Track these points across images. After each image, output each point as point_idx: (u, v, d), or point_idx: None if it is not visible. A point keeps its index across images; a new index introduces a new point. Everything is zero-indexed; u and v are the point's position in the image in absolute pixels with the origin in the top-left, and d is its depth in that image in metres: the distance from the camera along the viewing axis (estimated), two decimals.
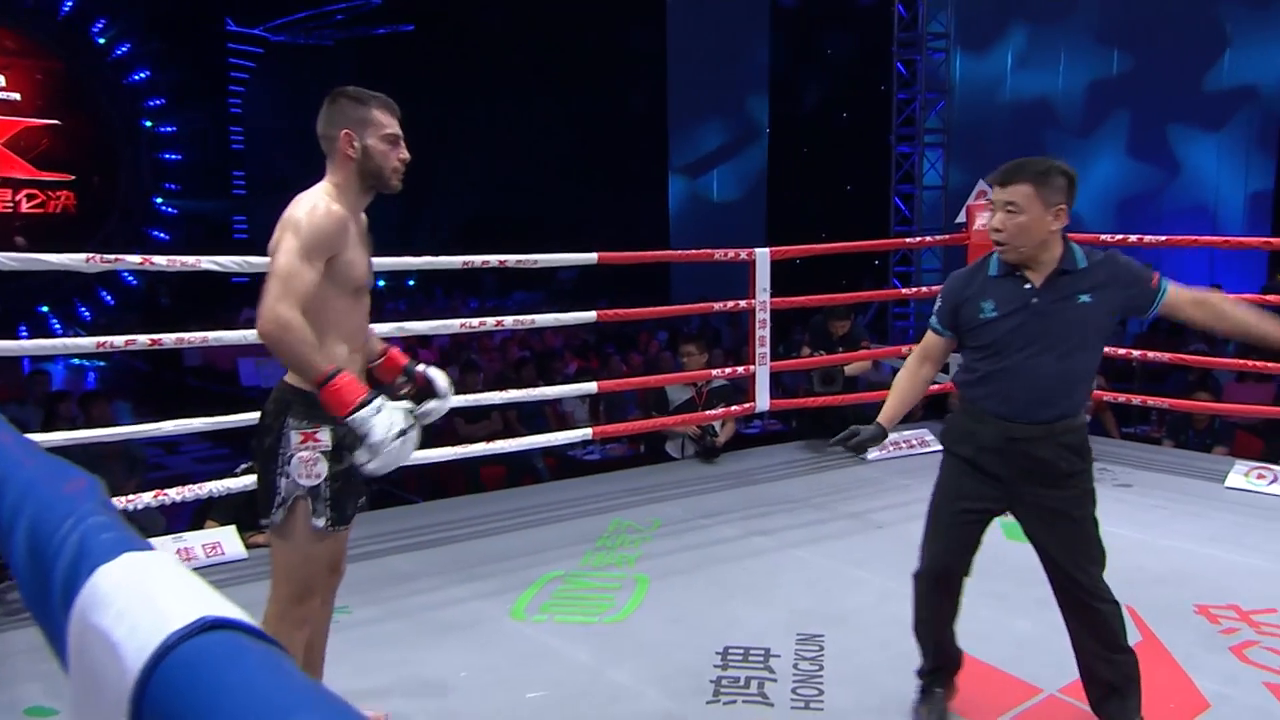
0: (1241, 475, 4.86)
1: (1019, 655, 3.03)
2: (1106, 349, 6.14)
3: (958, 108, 13.86)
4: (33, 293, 16.41)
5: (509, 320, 4.88)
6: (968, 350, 2.59)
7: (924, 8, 13.01)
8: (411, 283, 19.11)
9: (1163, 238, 5.78)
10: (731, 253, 5.13)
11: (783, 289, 5.17)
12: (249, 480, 3.83)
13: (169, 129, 18.63)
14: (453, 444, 4.76)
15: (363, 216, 2.38)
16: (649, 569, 3.80)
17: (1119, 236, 5.61)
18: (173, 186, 18.79)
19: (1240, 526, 4.28)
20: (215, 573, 3.69)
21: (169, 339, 3.94)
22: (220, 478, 3.87)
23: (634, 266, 5.51)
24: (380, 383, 2.54)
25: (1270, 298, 6.03)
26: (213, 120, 19.27)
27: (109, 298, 17.84)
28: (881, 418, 2.72)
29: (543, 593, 3.57)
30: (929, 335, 2.71)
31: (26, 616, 2.92)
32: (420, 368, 2.56)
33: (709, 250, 5.23)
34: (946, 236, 6.24)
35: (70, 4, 17.13)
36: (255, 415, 3.80)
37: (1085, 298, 2.42)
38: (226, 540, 3.85)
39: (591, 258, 4.72)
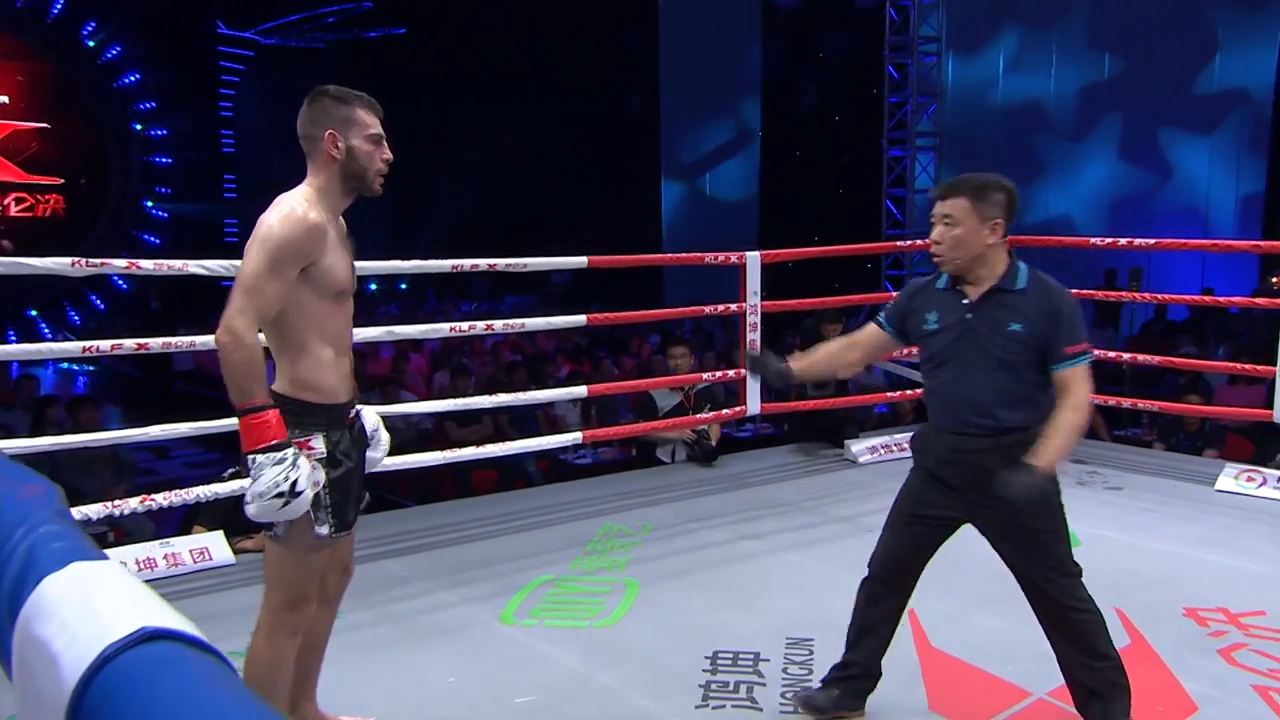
0: (1231, 478, 4.86)
1: (1008, 659, 3.02)
2: (1097, 351, 6.17)
3: (949, 111, 13.92)
4: (21, 297, 16.35)
5: (498, 324, 4.86)
6: (920, 362, 2.65)
7: (915, 11, 13.05)
8: (404, 286, 19.08)
9: (1153, 241, 5.80)
10: (722, 256, 5.12)
11: (774, 292, 5.16)
12: (237, 485, 3.81)
13: (159, 132, 18.59)
14: (444, 448, 4.74)
15: (340, 220, 2.35)
16: (639, 573, 3.78)
17: (1109, 240, 5.62)
18: (163, 190, 18.74)
19: (1230, 529, 4.29)
20: (202, 578, 3.68)
21: (155, 343, 3.91)
22: (209, 483, 3.85)
23: (626, 270, 5.49)
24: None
25: (1261, 301, 6.05)
26: (203, 123, 19.23)
27: (99, 302, 17.78)
28: (795, 363, 2.72)
29: (532, 597, 3.55)
30: (870, 324, 2.74)
31: None
32: (359, 408, 2.44)
33: (700, 254, 5.23)
34: None
35: (60, 6, 17.08)
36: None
37: (1016, 326, 2.43)
38: (214, 546, 3.82)
39: (581, 261, 4.70)
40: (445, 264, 4.39)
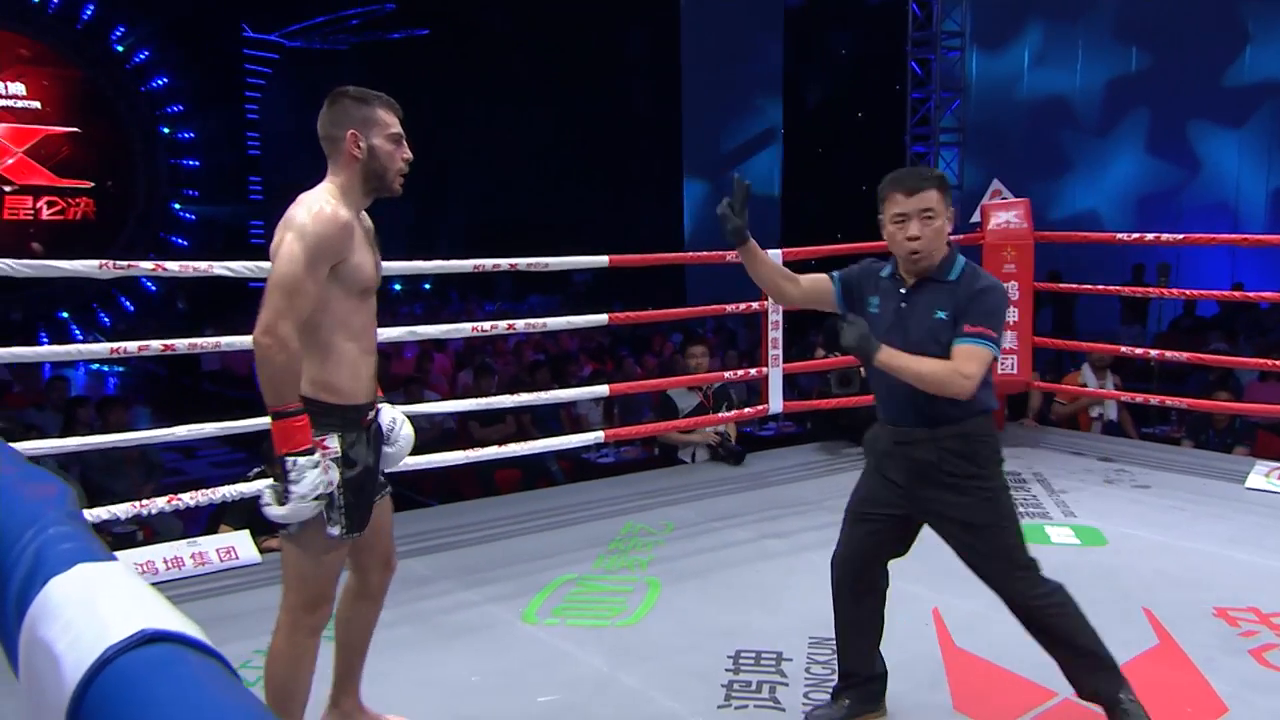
0: (1262, 476, 4.79)
1: (1034, 657, 2.97)
2: (1124, 348, 6.10)
3: (973, 107, 13.78)
4: (53, 299, 16.60)
5: (520, 323, 4.87)
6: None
7: (938, 6, 12.93)
8: (427, 286, 19.19)
9: (1182, 236, 5.72)
10: None
11: None
12: (263, 484, 3.84)
13: (187, 135, 18.80)
14: (467, 447, 4.76)
15: (367, 219, 2.36)
16: (661, 572, 3.77)
17: (1137, 235, 5.55)
18: (191, 192, 18.95)
19: (1261, 528, 4.22)
20: (229, 577, 3.71)
21: (181, 344, 3.95)
22: (235, 482, 3.88)
23: (649, 269, 5.49)
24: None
25: None
26: (229, 126, 19.42)
27: (128, 304, 18.01)
28: (752, 243, 2.63)
29: (555, 596, 3.56)
30: (821, 275, 2.71)
31: None
32: (380, 406, 2.44)
33: (721, 252, 5.20)
34: (962, 236, 6.17)
35: (90, 12, 17.31)
36: (269, 420, 3.84)
37: (942, 314, 2.40)
38: (240, 545, 3.85)
39: (603, 260, 4.71)
40: (468, 264, 4.40)
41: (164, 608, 0.51)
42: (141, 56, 18.13)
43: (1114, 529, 4.18)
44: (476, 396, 5.66)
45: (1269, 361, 5.53)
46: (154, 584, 0.76)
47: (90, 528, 0.64)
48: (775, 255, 5.05)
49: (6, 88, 16.53)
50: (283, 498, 2.10)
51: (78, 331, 16.64)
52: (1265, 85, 12.53)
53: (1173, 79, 12.84)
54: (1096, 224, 12.89)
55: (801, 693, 2.82)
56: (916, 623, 3.25)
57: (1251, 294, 7.09)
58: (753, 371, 5.38)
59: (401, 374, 8.50)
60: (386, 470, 2.49)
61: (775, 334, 5.06)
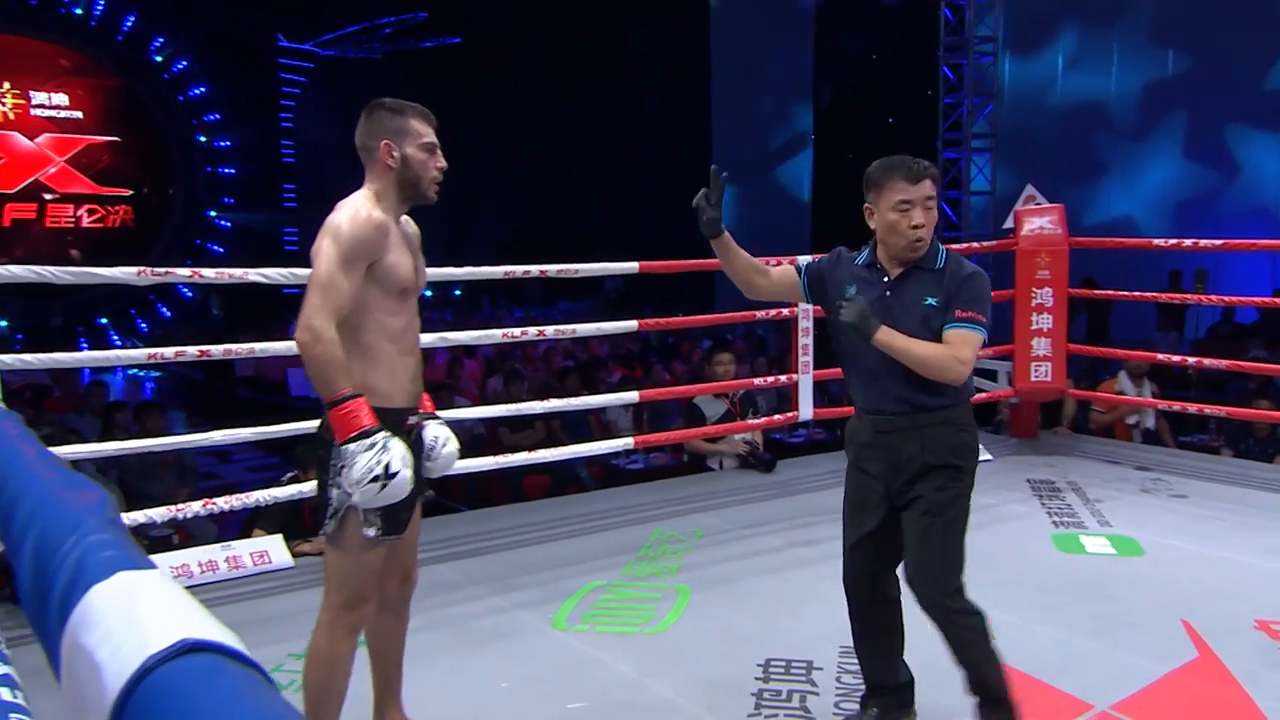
0: None
1: (1070, 669, 2.95)
2: (1161, 355, 6.01)
3: (1006, 112, 13.65)
4: (93, 305, 16.89)
5: (550, 330, 4.88)
6: (836, 344, 2.59)
7: (971, 11, 12.84)
8: (458, 292, 19.30)
9: (1220, 241, 5.63)
10: (774, 260, 5.08)
11: None
12: (295, 489, 3.88)
13: (223, 143, 19.06)
14: (496, 453, 4.78)
15: (411, 224, 2.43)
16: (690, 580, 3.76)
17: (1174, 241, 5.48)
18: (227, 200, 19.20)
19: None
20: (262, 580, 3.74)
21: (217, 350, 4.00)
22: (269, 487, 3.92)
23: (679, 275, 5.50)
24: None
25: None
26: (265, 134, 19.67)
27: (165, 310, 18.27)
28: (727, 236, 2.61)
29: (584, 603, 3.56)
30: (785, 264, 2.71)
31: None
32: (422, 422, 2.46)
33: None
34: (995, 242, 6.12)
35: (131, 23, 17.62)
36: (303, 425, 3.88)
37: (932, 300, 2.40)
38: (273, 549, 3.89)
39: (633, 266, 4.71)
40: (499, 270, 4.43)
41: (203, 617, 0.52)
42: (180, 66, 18.42)
43: (1151, 539, 4.12)
44: (506, 402, 5.68)
45: None
46: (188, 587, 0.77)
47: (130, 534, 0.65)
48: (805, 260, 5.04)
49: (50, 98, 16.87)
50: (349, 485, 2.14)
51: (116, 337, 16.90)
52: None
53: (1211, 82, 12.63)
54: (1132, 230, 12.70)
55: (832, 702, 2.80)
56: None
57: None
58: (783, 378, 5.36)
59: (432, 380, 8.55)
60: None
61: (805, 340, 5.04)
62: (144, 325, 17.85)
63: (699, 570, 3.87)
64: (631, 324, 4.93)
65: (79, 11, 17.03)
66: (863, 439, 2.52)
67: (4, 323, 15.31)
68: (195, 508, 3.68)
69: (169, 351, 3.95)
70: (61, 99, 16.98)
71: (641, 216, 19.02)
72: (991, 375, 5.85)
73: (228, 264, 15.73)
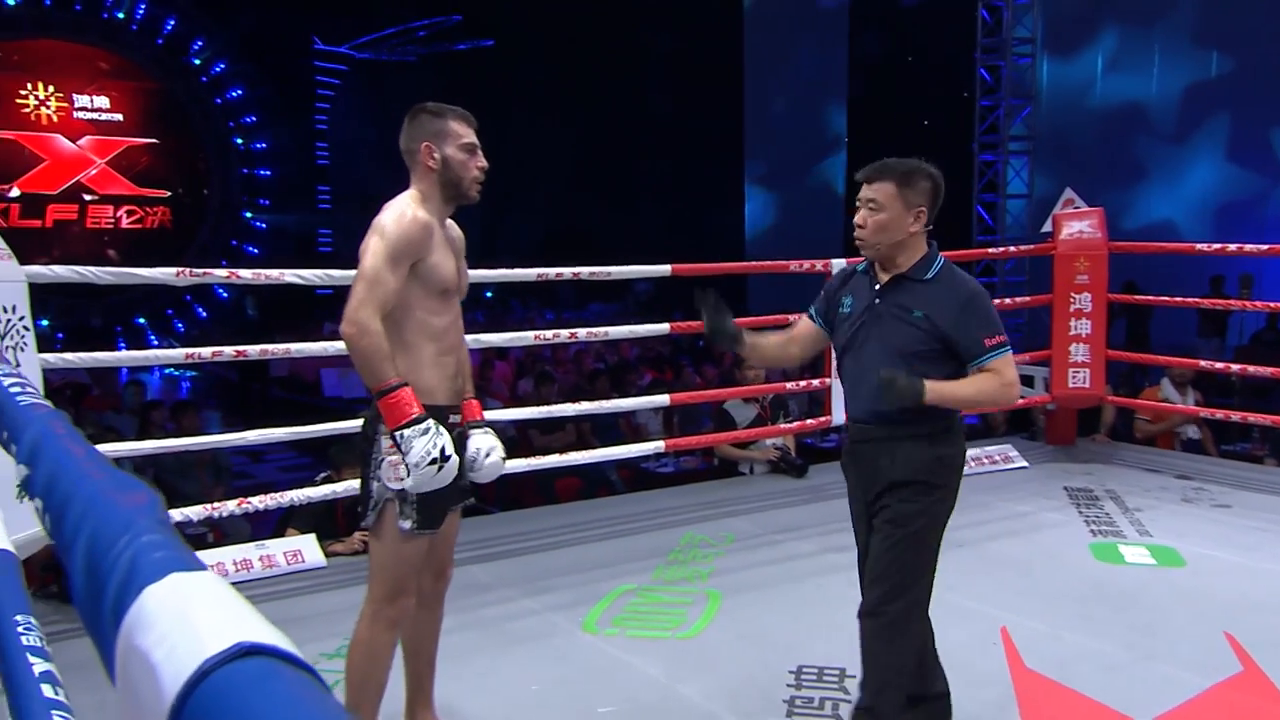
0: None
1: (1109, 681, 2.90)
2: (1203, 362, 5.90)
3: (1044, 114, 13.48)
4: (131, 305, 17.14)
5: (582, 332, 4.89)
6: (835, 349, 2.57)
7: (1009, 12, 12.70)
8: (489, 295, 19.39)
9: (1265, 246, 5.51)
10: (808, 264, 5.06)
11: None
12: (329, 490, 3.91)
13: (260, 145, 19.28)
14: (527, 455, 4.79)
15: (455, 228, 2.48)
16: (721, 584, 3.75)
17: (1218, 246, 5.38)
18: (263, 201, 19.42)
19: None
20: (295, 580, 3.77)
21: (253, 351, 4.04)
22: (302, 486, 3.95)
23: (711, 278, 5.46)
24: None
25: None
26: (300, 136, 19.88)
27: (202, 310, 18.51)
28: (747, 338, 2.60)
29: (615, 606, 3.55)
30: (803, 317, 2.68)
31: None
32: (470, 431, 2.51)
33: (784, 262, 5.17)
34: (1032, 246, 6.06)
35: (171, 26, 17.89)
36: (337, 426, 3.91)
37: (919, 314, 2.34)
38: (307, 548, 3.92)
39: (665, 269, 4.70)
40: (531, 273, 4.44)
41: (257, 619, 0.52)
42: (217, 69, 18.66)
43: (1192, 549, 4.04)
44: (537, 404, 5.69)
45: None
46: None
47: (179, 535, 0.65)
48: (839, 265, 5.01)
49: (92, 101, 17.16)
50: (407, 470, 2.19)
51: (153, 337, 17.14)
52: None
53: (1256, 83, 12.38)
54: (1172, 234, 12.49)
55: None
56: (984, 641, 3.18)
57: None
58: (815, 382, 5.33)
59: None
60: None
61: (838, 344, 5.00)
62: (180, 325, 18.09)
63: (730, 575, 3.85)
64: (664, 327, 4.92)
65: (121, 15, 17.31)
66: (847, 446, 2.53)
67: (45, 321, 15.58)
68: (231, 506, 3.72)
69: (206, 351, 4.00)
70: (103, 102, 17.27)
71: (672, 218, 19.03)
72: (1028, 381, 5.78)
73: (262, 265, 15.86)
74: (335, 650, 3.11)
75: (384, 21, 19.77)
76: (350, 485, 3.79)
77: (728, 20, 18.65)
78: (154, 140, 17.83)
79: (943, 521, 2.41)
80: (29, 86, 16.48)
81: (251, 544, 3.91)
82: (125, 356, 4.54)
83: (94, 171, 17.27)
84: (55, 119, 16.80)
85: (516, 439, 6.77)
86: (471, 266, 4.25)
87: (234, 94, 18.84)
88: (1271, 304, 6.45)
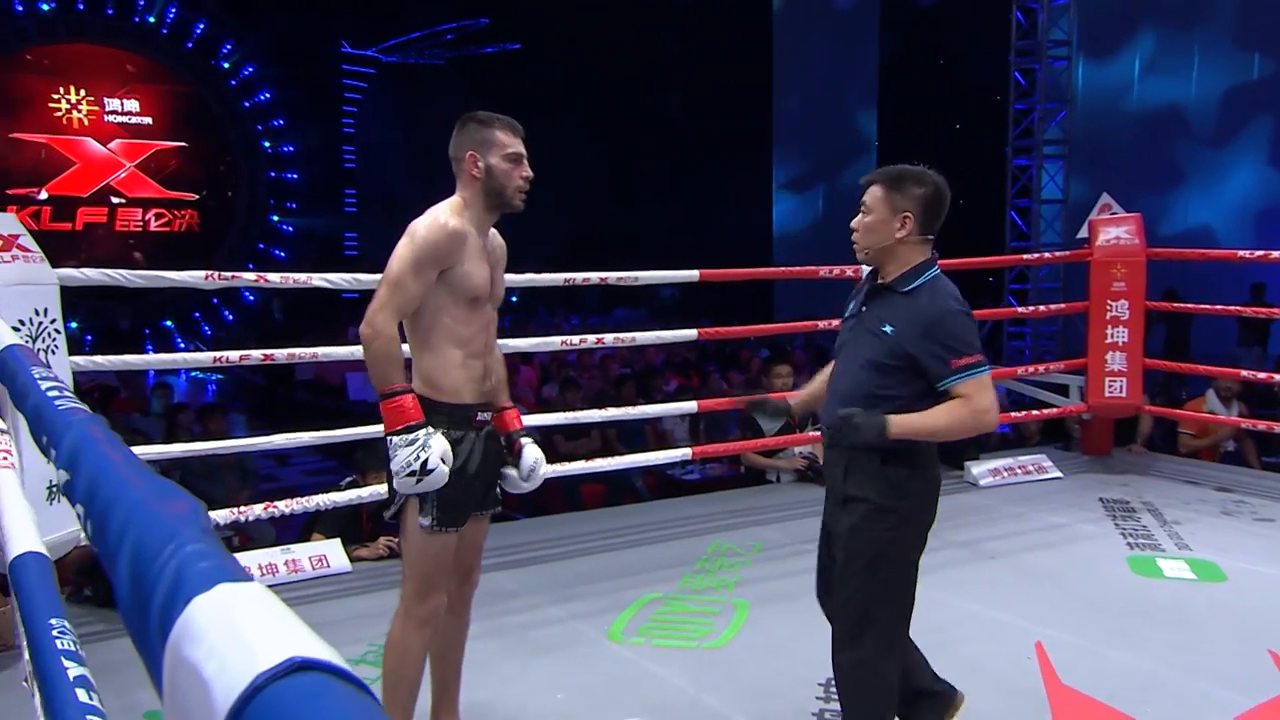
0: None
1: (1146, 698, 2.83)
2: (1245, 371, 5.78)
3: (1079, 117, 13.32)
4: (159, 308, 17.29)
5: (609, 338, 4.86)
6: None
7: (1044, 14, 12.56)
8: (514, 299, 19.45)
9: None
10: (837, 269, 5.02)
11: None
12: (354, 494, 3.91)
13: (287, 149, 19.42)
14: (553, 461, 4.76)
15: (497, 238, 2.52)
16: (749, 594, 3.71)
17: (1260, 252, 5.29)
18: (290, 205, 19.55)
19: None
20: (320, 584, 3.77)
21: (280, 354, 4.04)
22: (326, 490, 3.95)
23: (737, 284, 5.44)
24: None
25: None
26: (327, 140, 20.00)
27: (228, 314, 18.65)
28: (797, 395, 2.64)
29: (640, 615, 3.52)
30: None
31: None
32: (522, 440, 2.61)
33: (813, 267, 5.13)
34: (1068, 253, 5.96)
35: (201, 29, 18.08)
36: (364, 430, 3.90)
37: (887, 328, 2.28)
38: (332, 553, 3.91)
39: (693, 275, 4.68)
40: (558, 277, 4.42)
41: (308, 634, 0.51)
42: (246, 72, 18.82)
43: (1233, 564, 3.95)
44: (562, 410, 5.67)
45: None
46: None
47: (224, 544, 0.63)
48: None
49: (122, 104, 17.36)
50: (391, 474, 2.25)
51: (180, 340, 17.29)
52: None
53: None
54: (1210, 239, 12.29)
55: None
56: (1018, 656, 3.13)
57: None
58: None
59: None
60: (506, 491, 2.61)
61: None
62: (208, 328, 18.23)
63: (758, 585, 3.81)
64: (691, 333, 4.89)
65: (152, 19, 17.50)
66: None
67: (74, 324, 15.76)
68: (257, 510, 3.72)
69: (234, 355, 4.01)
70: (133, 105, 17.45)
71: (699, 223, 18.99)
72: (1063, 390, 5.70)
73: (289, 268, 15.90)
74: (360, 656, 3.10)
75: (411, 25, 19.86)
76: (375, 490, 3.78)
77: (755, 23, 18.63)
78: (183, 143, 17.99)
79: (902, 550, 2.31)
80: (61, 90, 16.68)
81: (277, 548, 3.91)
82: (154, 360, 4.59)
83: (123, 174, 17.45)
84: (86, 122, 17.00)
85: (541, 445, 6.74)
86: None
87: (262, 97, 18.99)
88: None
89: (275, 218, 19.37)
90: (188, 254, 16.35)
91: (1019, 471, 5.28)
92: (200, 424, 6.34)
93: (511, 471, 2.58)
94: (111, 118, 17.27)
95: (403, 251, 2.30)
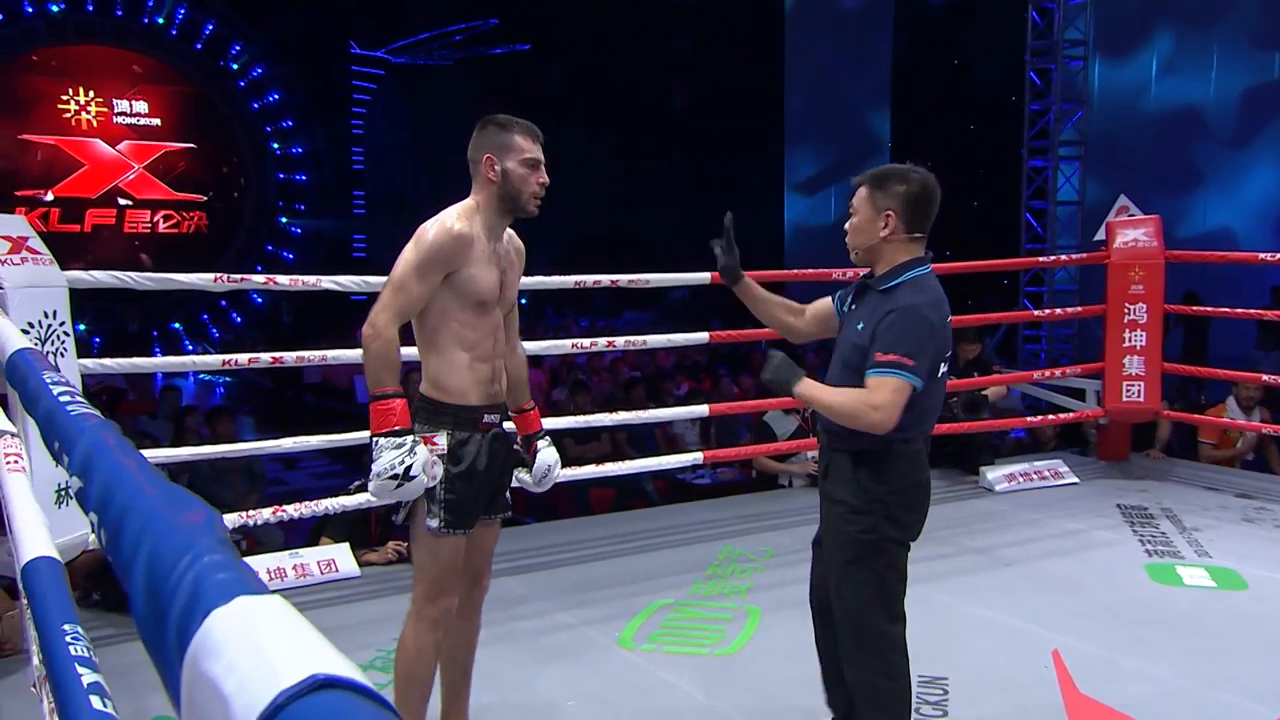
0: None
1: (1165, 709, 2.80)
2: (1266, 376, 5.71)
3: (1096, 118, 13.22)
4: (167, 310, 17.30)
5: (620, 341, 4.83)
6: None
7: (1060, 14, 12.48)
8: (524, 301, 19.40)
9: None
10: (850, 272, 4.97)
11: None
12: (363, 498, 3.88)
13: (296, 150, 19.43)
14: (562, 465, 4.72)
15: (515, 239, 2.54)
16: (761, 601, 3.67)
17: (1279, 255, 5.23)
18: (299, 206, 19.55)
19: None
20: (329, 589, 3.75)
21: (289, 357, 4.02)
22: (335, 494, 3.92)
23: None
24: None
25: None
26: (335, 141, 20.00)
27: (236, 316, 18.66)
28: (749, 280, 2.70)
29: (651, 621, 3.49)
30: (825, 299, 2.64)
31: None
32: (540, 443, 2.64)
33: (827, 270, 5.09)
34: (1084, 255, 5.91)
35: (210, 30, 18.12)
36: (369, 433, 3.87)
37: (860, 325, 2.30)
38: (340, 558, 3.89)
39: (705, 277, 4.64)
40: (569, 280, 4.39)
41: (329, 649, 0.49)
42: (255, 73, 18.84)
43: (1254, 572, 3.90)
44: (571, 413, 5.64)
45: None
46: None
47: (241, 555, 0.60)
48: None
49: (131, 106, 17.39)
50: (371, 477, 2.24)
51: (188, 342, 17.30)
52: None
53: None
54: (1230, 242, 12.16)
55: None
56: (1034, 664, 3.09)
57: None
58: None
59: None
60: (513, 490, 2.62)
61: None
62: (216, 331, 18.24)
63: (771, 591, 3.78)
64: (702, 335, 4.86)
65: (160, 20, 17.53)
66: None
67: (82, 326, 15.75)
68: (266, 514, 3.70)
69: (243, 358, 3.99)
70: (141, 106, 17.48)
71: (710, 226, 18.91)
72: (1079, 394, 5.65)
73: (298, 270, 15.89)
74: (369, 661, 3.07)
75: (420, 26, 19.87)
76: None
77: (766, 22, 18.59)
78: (191, 145, 18.01)
79: (881, 551, 2.29)
80: (70, 91, 16.71)
81: (285, 553, 3.89)
82: (163, 363, 4.57)
83: (132, 175, 17.47)
84: (95, 124, 17.02)
85: None
86: None
87: (271, 98, 19.01)
88: None
89: (283, 219, 19.37)
90: (195, 256, 16.36)
91: (1035, 477, 5.23)
92: (209, 427, 6.31)
93: (525, 475, 2.61)
94: (120, 119, 17.29)
95: (408, 254, 2.31)
